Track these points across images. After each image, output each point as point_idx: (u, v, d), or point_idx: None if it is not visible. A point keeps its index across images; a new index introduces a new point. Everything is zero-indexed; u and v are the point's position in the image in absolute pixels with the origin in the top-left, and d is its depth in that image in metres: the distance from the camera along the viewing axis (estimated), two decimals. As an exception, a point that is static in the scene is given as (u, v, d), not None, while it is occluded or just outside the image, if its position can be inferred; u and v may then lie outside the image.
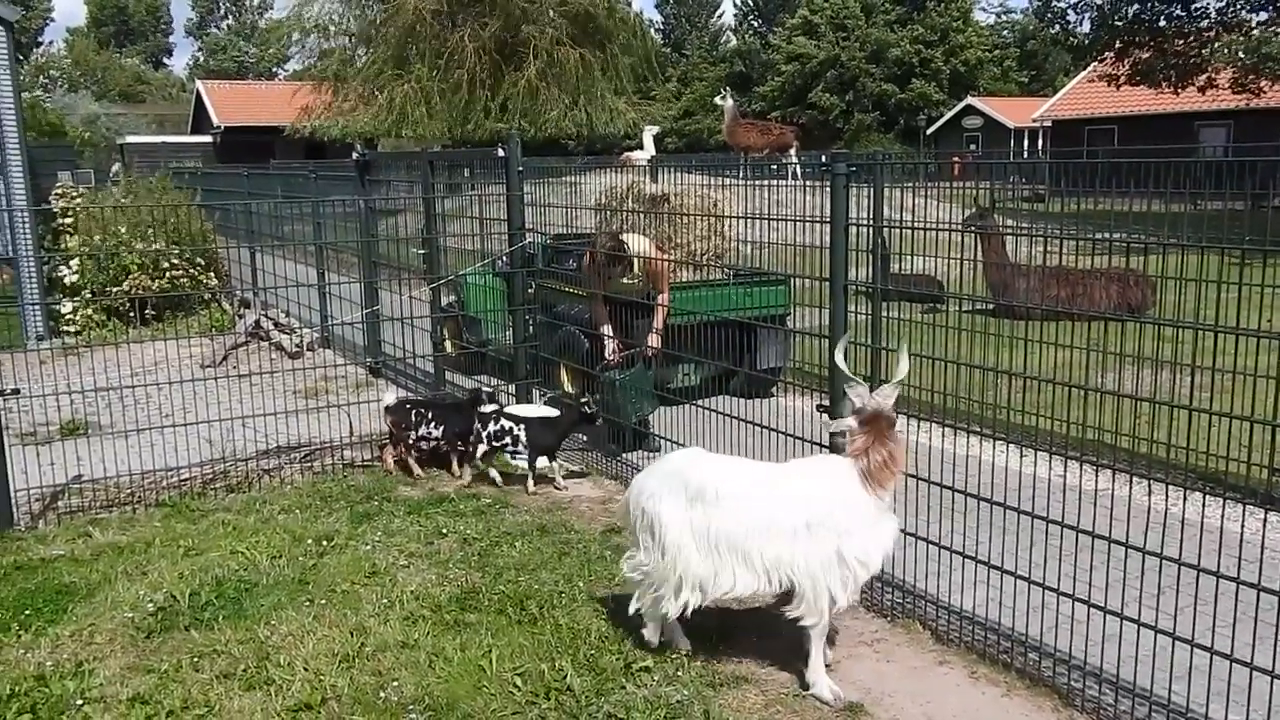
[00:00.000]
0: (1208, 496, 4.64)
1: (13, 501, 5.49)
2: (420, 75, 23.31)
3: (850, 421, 3.73)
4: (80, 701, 3.61)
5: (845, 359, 3.94)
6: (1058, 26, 24.45)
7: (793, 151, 17.59)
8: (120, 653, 4.01)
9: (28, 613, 4.34)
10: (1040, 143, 38.22)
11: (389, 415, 6.40)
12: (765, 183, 6.56)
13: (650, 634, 3.90)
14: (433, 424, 6.30)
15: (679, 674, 3.77)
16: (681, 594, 3.68)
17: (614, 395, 6.25)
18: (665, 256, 6.73)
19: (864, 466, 3.57)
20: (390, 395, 6.80)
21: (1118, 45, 22.73)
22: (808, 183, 6.23)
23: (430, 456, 6.41)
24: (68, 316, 10.94)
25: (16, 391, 5.64)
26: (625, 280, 6.57)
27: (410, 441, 6.33)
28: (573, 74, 23.68)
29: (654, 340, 6.44)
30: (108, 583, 4.65)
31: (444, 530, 5.26)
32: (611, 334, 6.53)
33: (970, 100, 46.79)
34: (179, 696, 3.64)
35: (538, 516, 5.52)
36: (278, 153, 30.19)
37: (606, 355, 6.49)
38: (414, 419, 6.33)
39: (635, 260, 6.51)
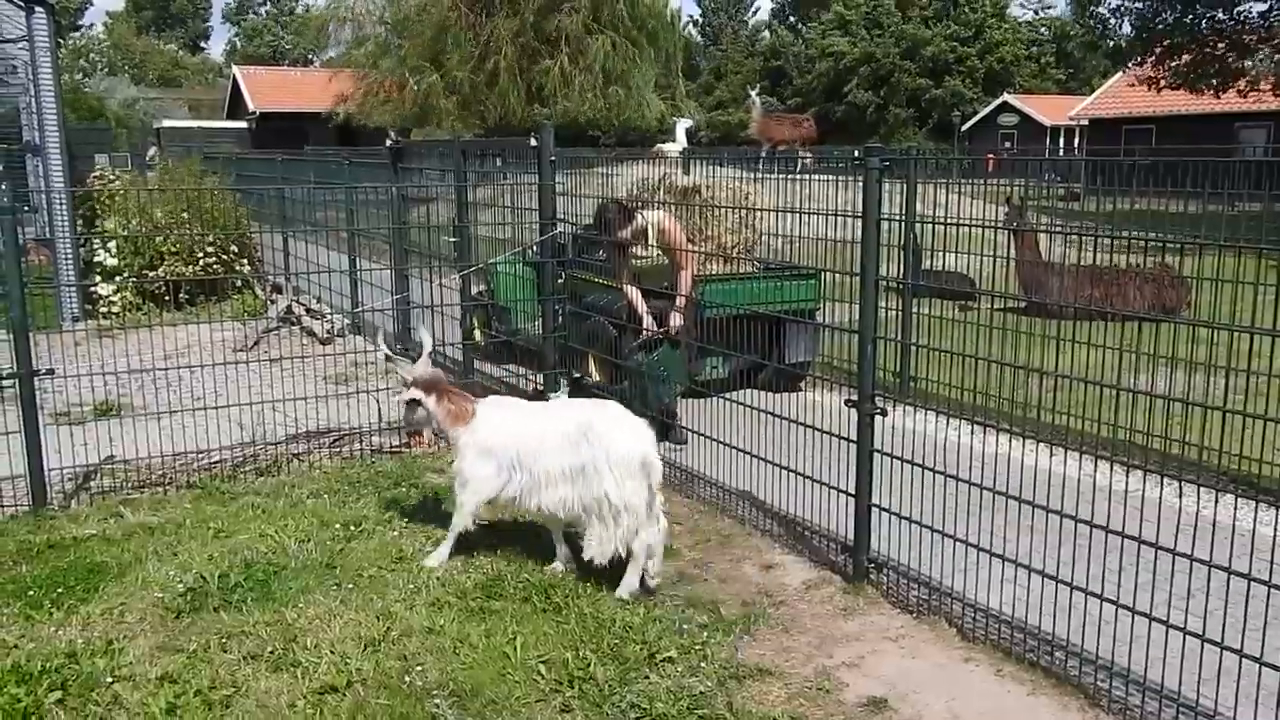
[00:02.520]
0: (1239, 499, 4.60)
1: (46, 481, 5.57)
2: (450, 67, 23.39)
3: (417, 392, 4.75)
4: (110, 679, 3.66)
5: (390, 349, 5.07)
6: (1098, 30, 24.13)
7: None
8: (150, 632, 4.07)
9: (60, 591, 4.40)
10: (1076, 141, 37.83)
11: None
12: (801, 176, 6.53)
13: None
14: None
15: (703, 665, 3.78)
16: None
17: (642, 380, 6.25)
18: (680, 228, 6.70)
19: (448, 410, 4.71)
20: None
21: (1158, 50, 22.43)
22: (840, 177, 6.20)
23: None
24: (107, 299, 11.08)
25: (51, 372, 5.72)
26: (641, 253, 6.56)
27: None
28: (601, 61, 23.64)
29: (675, 319, 6.42)
30: (138, 562, 4.71)
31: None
32: (644, 309, 6.51)
33: (1006, 97, 46.38)
34: (207, 676, 3.69)
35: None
36: (312, 139, 30.42)
37: (644, 328, 6.45)
38: None
39: (650, 231, 6.49)
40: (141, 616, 4.18)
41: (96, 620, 4.15)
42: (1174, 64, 22.35)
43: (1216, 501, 4.05)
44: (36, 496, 5.49)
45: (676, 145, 14.52)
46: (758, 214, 7.74)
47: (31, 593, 4.38)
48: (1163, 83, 23.03)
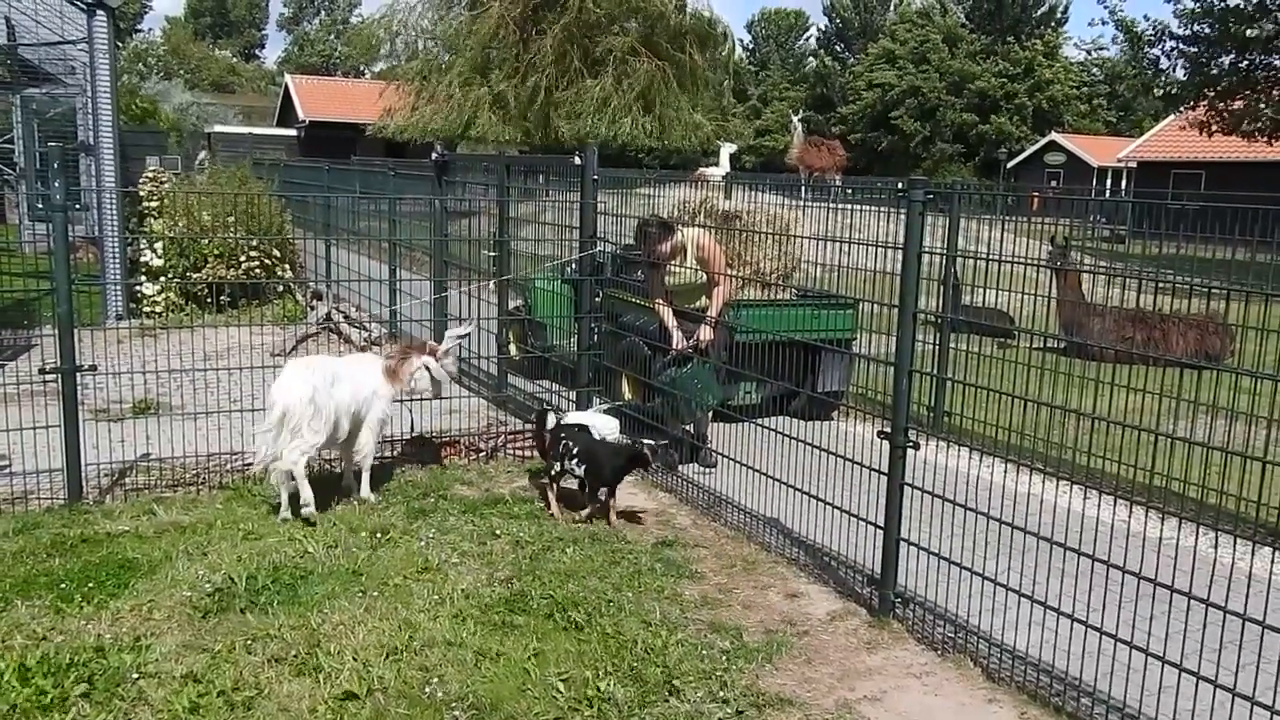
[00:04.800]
0: (1278, 553, 4.51)
1: (83, 476, 5.66)
2: (495, 81, 23.60)
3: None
4: (136, 675, 3.70)
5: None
6: (1150, 72, 23.88)
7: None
8: (177, 630, 4.11)
9: (91, 585, 4.47)
10: (1124, 184, 37.47)
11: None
12: (843, 206, 6.53)
13: (307, 495, 5.38)
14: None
15: (723, 692, 3.76)
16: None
17: (674, 397, 6.25)
18: (719, 247, 6.73)
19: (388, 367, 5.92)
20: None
21: (1211, 95, 22.16)
22: (881, 208, 6.19)
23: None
24: (151, 298, 11.27)
25: (94, 368, 5.82)
26: (678, 269, 6.58)
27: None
28: (645, 83, 23.70)
29: (705, 333, 6.43)
30: (168, 561, 4.77)
31: (497, 531, 5.30)
32: (674, 325, 6.54)
33: (1054, 136, 46.07)
34: (230, 677, 3.72)
35: (590, 524, 5.54)
36: (359, 149, 30.80)
37: (674, 345, 6.48)
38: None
39: (689, 247, 6.53)
40: (169, 614, 4.23)
41: (125, 616, 4.20)
42: (1226, 109, 22.07)
43: (1253, 553, 3.97)
44: (73, 491, 5.58)
45: (720, 169, 14.55)
46: (797, 241, 7.74)
47: (63, 586, 4.44)
48: (1214, 127, 22.76)
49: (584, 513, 5.66)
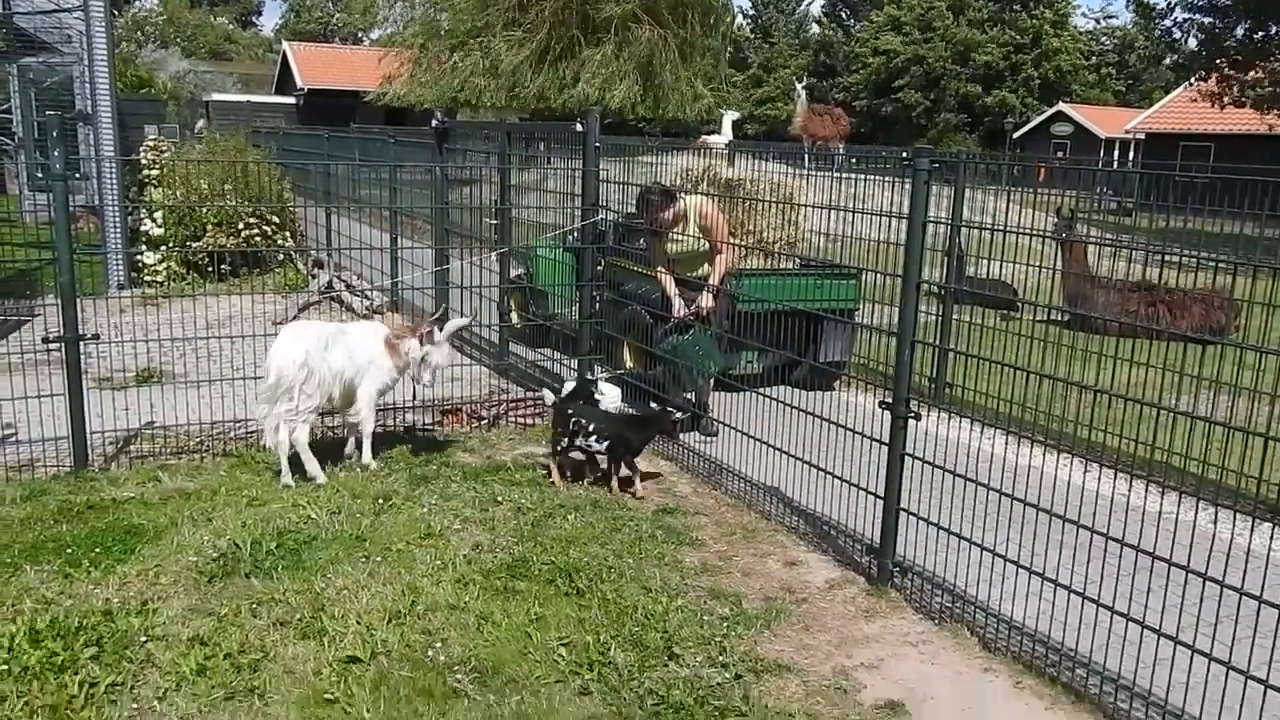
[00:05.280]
0: (1278, 529, 4.54)
1: (88, 443, 5.69)
2: (493, 45, 23.34)
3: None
4: (144, 638, 3.74)
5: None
6: (1164, 43, 23.66)
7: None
8: (183, 594, 4.15)
9: (98, 550, 4.50)
10: (1131, 155, 37.25)
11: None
12: (847, 176, 6.51)
13: (314, 468, 5.50)
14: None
15: (722, 657, 3.80)
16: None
17: (675, 364, 6.26)
18: (721, 215, 6.72)
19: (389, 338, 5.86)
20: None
21: (1224, 66, 21.95)
22: (885, 178, 6.17)
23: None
24: (152, 267, 11.25)
25: (96, 337, 5.83)
26: (680, 237, 6.58)
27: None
28: (645, 52, 23.44)
29: (706, 299, 6.43)
30: (174, 527, 4.81)
31: (499, 498, 5.34)
32: (675, 292, 6.54)
33: (1061, 106, 45.71)
34: (236, 640, 3.76)
35: (591, 491, 5.57)
36: (358, 117, 30.61)
37: (674, 313, 6.48)
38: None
39: (690, 215, 6.52)
40: (175, 579, 4.27)
41: (132, 580, 4.24)
42: (1240, 79, 21.84)
43: (1253, 529, 3.99)
44: (78, 458, 5.61)
45: (722, 137, 14.47)
46: (800, 210, 7.72)
47: (70, 551, 4.48)
48: (1226, 99, 22.56)
49: (615, 484, 5.64)
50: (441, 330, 5.91)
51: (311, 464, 5.52)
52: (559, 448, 5.74)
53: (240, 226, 11.84)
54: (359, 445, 5.89)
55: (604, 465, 5.75)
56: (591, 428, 5.62)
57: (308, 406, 5.48)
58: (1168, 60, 23.99)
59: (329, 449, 5.98)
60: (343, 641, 3.78)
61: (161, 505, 5.11)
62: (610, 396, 6.16)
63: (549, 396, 6.02)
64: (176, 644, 3.73)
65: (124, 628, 3.79)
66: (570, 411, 5.71)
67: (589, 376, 6.64)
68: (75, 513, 4.97)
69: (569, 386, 6.28)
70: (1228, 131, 29.77)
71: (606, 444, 5.60)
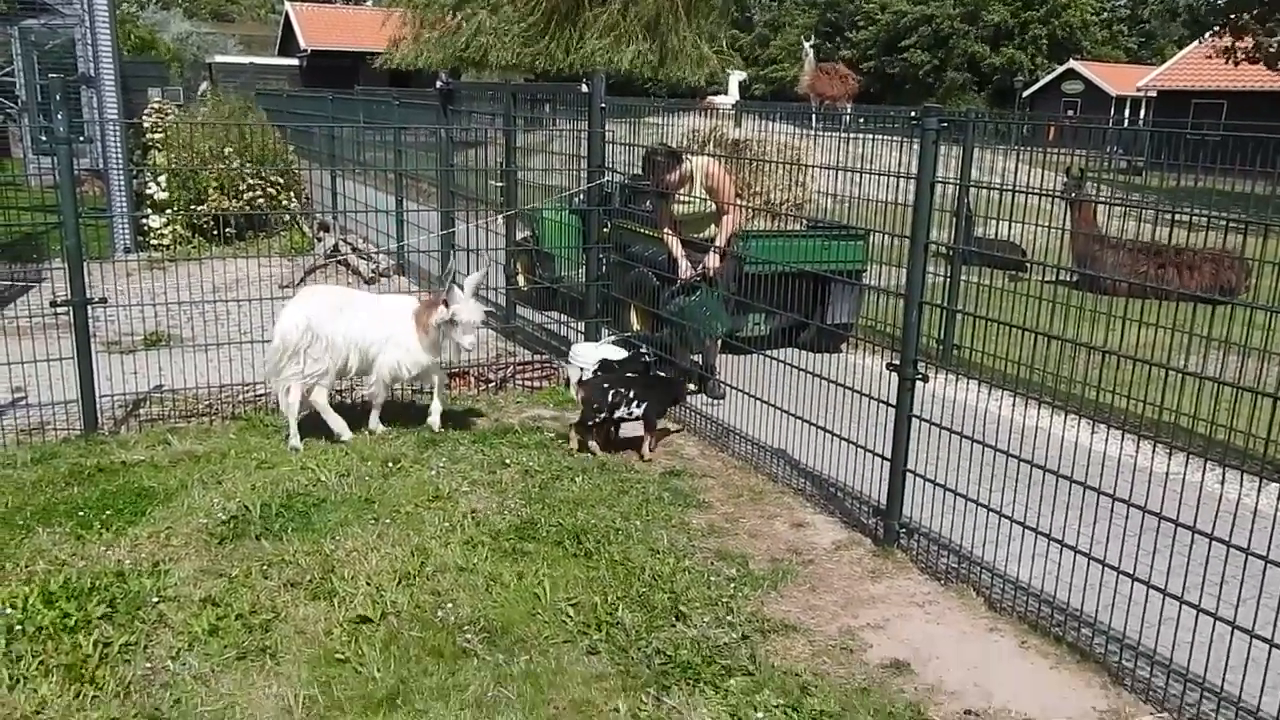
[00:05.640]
0: (1284, 486, 4.54)
1: (97, 407, 5.71)
2: (500, 4, 23.09)
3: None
4: (156, 599, 3.78)
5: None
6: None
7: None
8: (194, 556, 4.18)
9: (109, 512, 4.54)
10: (1143, 113, 36.85)
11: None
12: (855, 136, 6.45)
13: (338, 426, 5.56)
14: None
15: (729, 618, 3.83)
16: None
17: (681, 325, 6.26)
18: (728, 175, 6.68)
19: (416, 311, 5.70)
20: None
21: (1239, 22, 21.60)
22: (893, 138, 6.12)
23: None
24: (157, 231, 11.23)
25: (104, 300, 5.84)
26: (686, 198, 6.54)
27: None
28: (651, 11, 23.15)
29: (711, 260, 6.41)
30: (184, 489, 4.84)
31: (507, 460, 5.36)
32: (681, 253, 6.52)
33: (1071, 64, 45.15)
34: (248, 600, 3.80)
35: (598, 453, 5.59)
36: (362, 79, 30.40)
37: (680, 274, 6.47)
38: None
39: (697, 175, 6.48)
40: (186, 541, 4.30)
41: (144, 542, 4.28)
42: (1253, 36, 21.48)
43: (1260, 490, 3.99)
44: (88, 421, 5.64)
45: (729, 98, 14.35)
46: (807, 171, 7.66)
47: (82, 513, 4.52)
48: (1240, 55, 22.24)
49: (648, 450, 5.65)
50: (462, 288, 5.63)
51: (334, 422, 5.58)
52: (594, 421, 5.62)
53: (243, 188, 11.79)
54: (367, 412, 5.89)
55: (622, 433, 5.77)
56: (632, 394, 5.59)
57: (315, 370, 5.48)
58: (1182, 12, 23.64)
59: (341, 412, 5.99)
60: (353, 602, 3.81)
61: (171, 468, 5.14)
62: (583, 357, 6.16)
63: (573, 371, 5.96)
64: (188, 605, 3.76)
65: (136, 589, 3.83)
66: (607, 385, 5.61)
67: (633, 341, 6.60)
68: (86, 475, 5.01)
69: (584, 355, 6.24)
70: (1241, 89, 29.40)
71: (643, 408, 5.60)
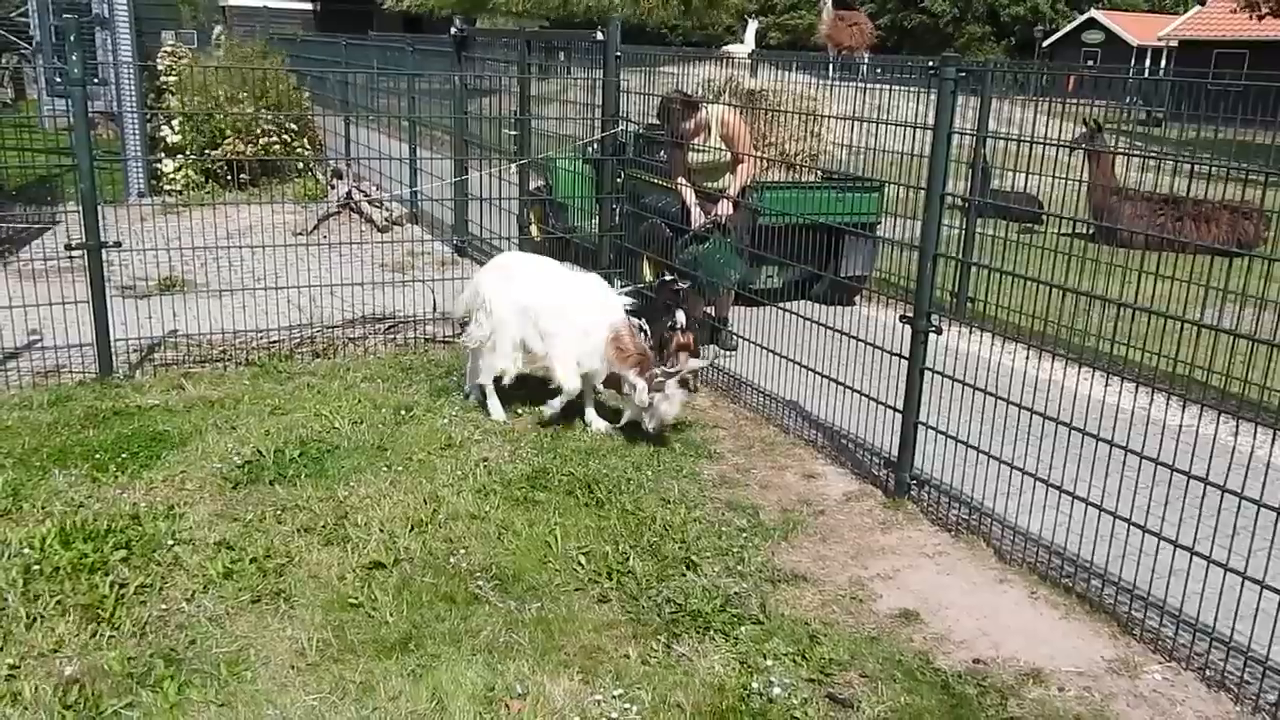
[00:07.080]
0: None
1: (112, 351, 5.74)
2: None
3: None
4: (171, 542, 3.82)
5: None
6: None
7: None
8: (209, 500, 4.23)
9: (124, 456, 4.58)
10: (1164, 63, 36.22)
11: None
12: (872, 86, 6.36)
13: (495, 409, 5.26)
14: None
15: (739, 567, 3.85)
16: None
17: (695, 273, 6.23)
18: (744, 124, 6.61)
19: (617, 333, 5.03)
20: None
21: None
22: (910, 88, 6.02)
23: None
24: (169, 175, 11.20)
25: (119, 244, 5.84)
26: (702, 147, 6.48)
27: None
28: None
29: (724, 207, 6.36)
30: (198, 434, 4.87)
31: (519, 410, 5.37)
32: (694, 202, 6.48)
33: (1092, 13, 44.33)
34: (262, 545, 3.84)
35: (611, 403, 5.60)
36: (376, 25, 30.08)
37: (693, 223, 6.43)
38: None
39: (713, 124, 6.41)
40: (201, 485, 4.35)
41: (159, 486, 4.32)
42: None
43: (1274, 441, 3.97)
44: (103, 365, 5.67)
45: (745, 47, 14.12)
46: (823, 122, 7.57)
47: (98, 456, 4.56)
48: (1264, 8, 21.79)
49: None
50: (673, 377, 4.96)
51: (489, 400, 5.30)
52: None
53: (258, 133, 11.73)
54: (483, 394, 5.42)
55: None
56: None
57: (478, 334, 5.24)
58: None
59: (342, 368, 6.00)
60: (366, 548, 3.85)
61: (186, 412, 5.18)
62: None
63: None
64: (203, 548, 3.81)
65: (152, 531, 3.88)
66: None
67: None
68: (101, 418, 5.05)
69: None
70: (1264, 39, 28.83)
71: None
